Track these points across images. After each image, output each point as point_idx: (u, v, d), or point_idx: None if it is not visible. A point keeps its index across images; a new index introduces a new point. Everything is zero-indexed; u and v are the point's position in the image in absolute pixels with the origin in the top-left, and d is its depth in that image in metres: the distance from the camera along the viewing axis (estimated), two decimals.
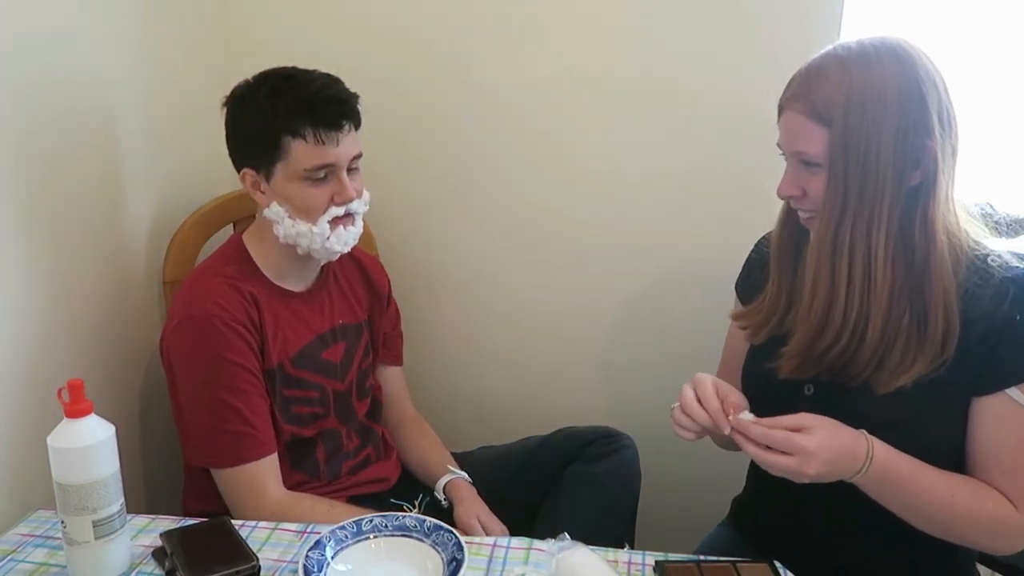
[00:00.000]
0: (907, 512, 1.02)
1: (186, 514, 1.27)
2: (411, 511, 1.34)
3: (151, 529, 1.14)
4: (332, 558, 1.04)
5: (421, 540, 1.08)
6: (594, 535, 1.08)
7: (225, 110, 1.29)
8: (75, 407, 0.99)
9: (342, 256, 1.40)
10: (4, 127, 1.15)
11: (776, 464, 0.96)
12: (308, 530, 1.14)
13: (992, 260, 1.02)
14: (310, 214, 1.26)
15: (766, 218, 1.20)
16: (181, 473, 1.39)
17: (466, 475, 1.43)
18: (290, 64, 1.29)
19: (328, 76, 1.27)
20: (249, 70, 1.29)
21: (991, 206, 1.02)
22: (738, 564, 1.06)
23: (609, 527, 1.34)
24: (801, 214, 1.07)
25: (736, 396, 1.05)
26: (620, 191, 1.66)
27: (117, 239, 1.41)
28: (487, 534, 1.29)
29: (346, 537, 1.08)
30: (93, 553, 1.01)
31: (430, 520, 1.10)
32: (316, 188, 1.25)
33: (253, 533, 1.14)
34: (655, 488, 1.53)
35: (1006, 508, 1.01)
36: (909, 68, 0.96)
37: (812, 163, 1.01)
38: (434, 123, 1.68)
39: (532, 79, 1.62)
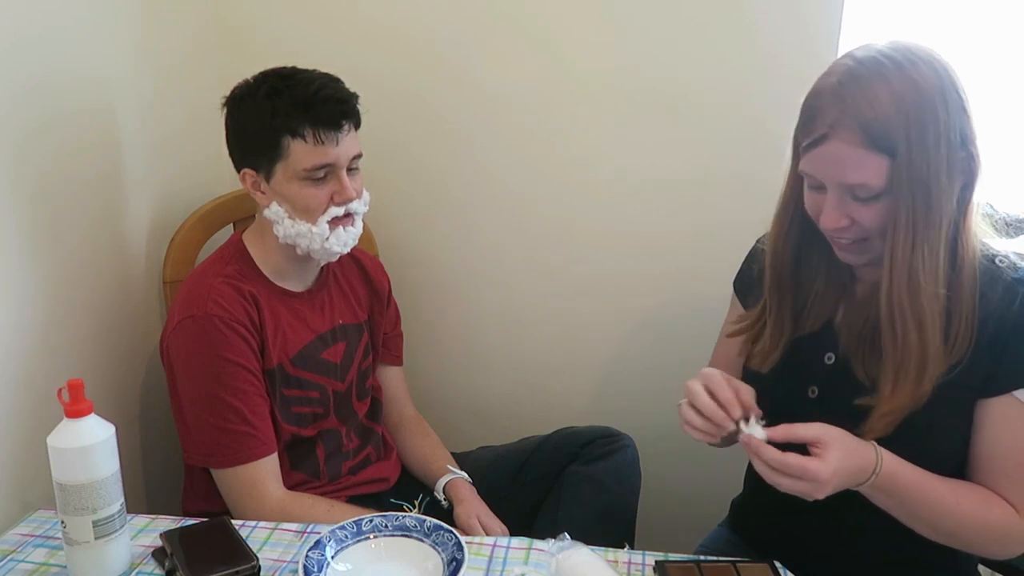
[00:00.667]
0: (914, 521, 1.01)
1: (186, 514, 1.27)
2: (411, 511, 1.34)
3: (151, 529, 1.14)
4: (332, 558, 1.04)
5: (421, 540, 1.08)
6: (594, 535, 1.08)
7: (224, 110, 1.30)
8: (75, 407, 0.99)
9: (342, 256, 1.40)
10: (3, 126, 1.14)
11: (787, 487, 0.94)
12: (308, 530, 1.14)
13: (1000, 261, 1.01)
14: (310, 214, 1.26)
15: (766, 219, 1.20)
16: (181, 473, 1.38)
17: (466, 475, 1.43)
18: (290, 64, 1.29)
19: (327, 76, 1.27)
20: (249, 70, 1.29)
21: (991, 206, 1.02)
22: (738, 564, 1.06)
23: (609, 527, 1.34)
24: (841, 241, 1.02)
25: (747, 393, 1.01)
26: (620, 192, 1.66)
27: (117, 239, 1.41)
28: (487, 534, 1.29)
29: (346, 537, 1.08)
30: (93, 553, 1.01)
31: (430, 520, 1.10)
32: (316, 188, 1.25)
33: (253, 533, 1.14)
34: (655, 488, 1.53)
35: (1010, 513, 1.00)
36: (947, 78, 0.94)
37: (868, 194, 0.96)
38: (434, 124, 1.68)
39: (533, 80, 1.62)
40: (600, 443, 1.43)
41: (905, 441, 0.99)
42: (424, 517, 1.11)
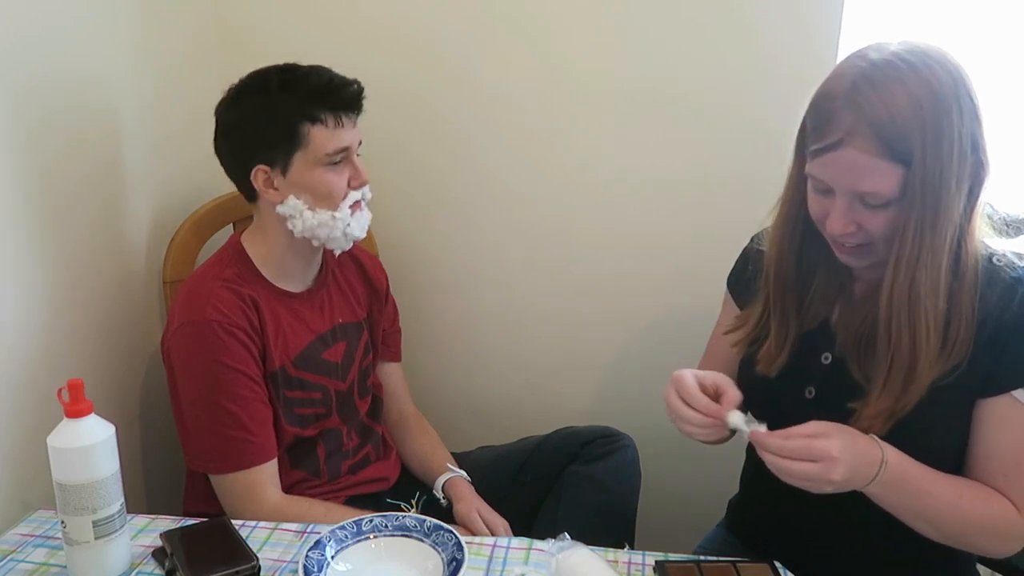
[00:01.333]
0: (917, 520, 1.01)
1: (186, 514, 1.27)
2: (409, 510, 1.34)
3: (151, 529, 1.14)
4: (332, 558, 1.04)
5: (421, 540, 1.08)
6: (594, 535, 1.08)
7: (222, 114, 1.29)
8: (75, 407, 0.99)
9: (341, 254, 1.40)
10: (3, 126, 1.15)
11: (798, 472, 0.92)
12: (308, 530, 1.14)
13: (997, 260, 1.01)
14: (332, 200, 1.27)
15: (766, 220, 1.20)
16: (181, 473, 1.38)
17: (464, 474, 1.43)
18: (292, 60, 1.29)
19: (323, 66, 1.28)
20: (249, 70, 1.29)
21: (991, 206, 1.02)
22: (738, 564, 1.06)
23: (609, 527, 1.34)
24: (845, 245, 1.01)
25: (724, 383, 1.02)
26: (620, 191, 1.66)
27: (117, 239, 1.42)
28: (488, 528, 1.29)
29: (346, 537, 1.08)
30: (93, 553, 1.01)
31: (430, 520, 1.10)
32: (335, 173, 1.27)
33: (253, 533, 1.14)
34: (655, 488, 1.53)
35: (1010, 511, 1.00)
36: (961, 82, 0.92)
37: (880, 202, 0.95)
38: (434, 123, 1.68)
39: (533, 80, 1.62)
40: (600, 443, 1.43)
41: (905, 441, 0.99)
42: (424, 517, 1.11)
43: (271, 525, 1.16)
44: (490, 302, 1.79)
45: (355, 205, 1.29)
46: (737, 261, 1.26)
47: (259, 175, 1.27)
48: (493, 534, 1.29)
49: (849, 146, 0.93)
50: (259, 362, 1.27)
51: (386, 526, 1.10)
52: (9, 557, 1.08)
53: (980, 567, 1.21)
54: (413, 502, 1.41)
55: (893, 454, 0.96)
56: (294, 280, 1.36)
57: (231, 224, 1.56)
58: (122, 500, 1.03)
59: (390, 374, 1.55)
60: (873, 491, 0.96)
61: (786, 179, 1.07)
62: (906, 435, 0.99)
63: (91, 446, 0.98)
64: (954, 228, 0.95)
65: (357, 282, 1.47)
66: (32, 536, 1.12)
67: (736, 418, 0.98)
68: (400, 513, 1.12)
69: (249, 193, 1.31)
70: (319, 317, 1.38)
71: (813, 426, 0.94)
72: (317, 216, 1.26)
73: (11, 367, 1.17)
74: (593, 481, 1.38)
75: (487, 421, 1.82)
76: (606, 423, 1.49)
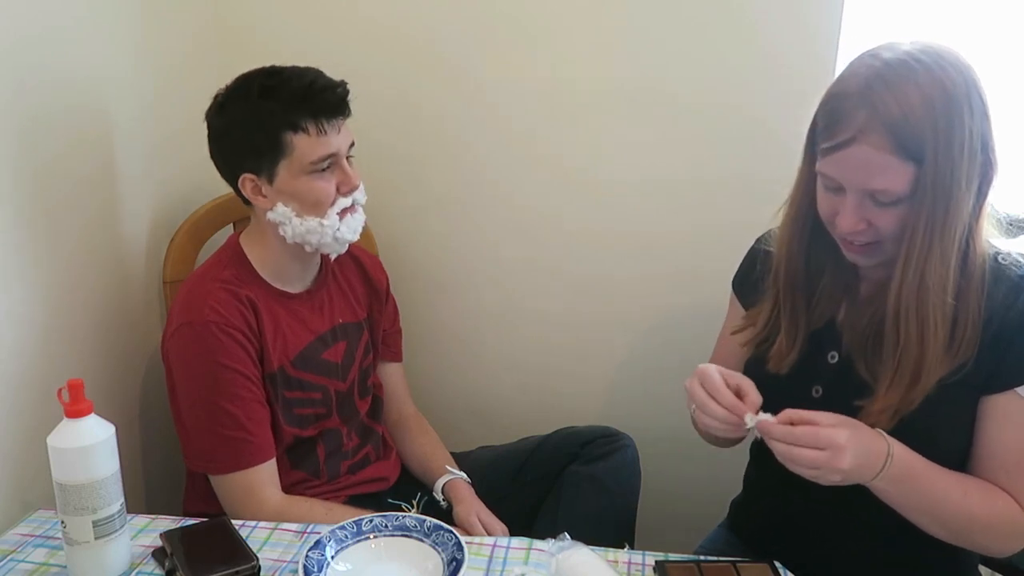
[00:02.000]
0: (922, 516, 1.00)
1: (186, 514, 1.27)
2: (409, 511, 1.34)
3: (151, 529, 1.14)
4: (332, 558, 1.04)
5: (421, 540, 1.08)
6: (594, 535, 1.08)
7: (211, 120, 1.28)
8: (75, 407, 0.99)
9: (341, 255, 1.40)
10: (3, 126, 1.14)
11: (805, 459, 0.92)
12: (308, 530, 1.14)
13: (1002, 259, 1.02)
14: (319, 208, 1.26)
15: (766, 221, 1.20)
16: (181, 473, 1.39)
17: (464, 475, 1.43)
18: (289, 65, 1.29)
19: (311, 68, 1.26)
20: (249, 69, 1.29)
21: (992, 206, 1.02)
22: (738, 564, 1.06)
23: (609, 527, 1.34)
24: (854, 244, 1.02)
25: (747, 385, 1.01)
26: (620, 192, 1.66)
27: (117, 239, 1.41)
28: (487, 532, 1.29)
29: (346, 537, 1.08)
30: (93, 553, 1.01)
31: (430, 520, 1.10)
32: (322, 180, 1.25)
33: (253, 533, 1.14)
34: (655, 488, 1.53)
35: (1013, 508, 1.00)
36: (972, 82, 0.93)
37: (890, 199, 0.95)
38: (433, 124, 1.68)
39: (531, 80, 1.62)
40: (600, 443, 1.42)
41: (910, 440, 0.99)
42: (424, 517, 1.11)
43: (271, 525, 1.16)
44: (490, 302, 1.79)
45: (346, 210, 1.28)
46: (743, 262, 1.27)
47: (247, 183, 1.27)
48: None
49: (862, 143, 0.93)
50: (257, 363, 1.27)
51: (386, 526, 1.10)
52: (9, 557, 1.08)
53: (981, 567, 1.21)
54: (414, 502, 1.41)
55: (899, 448, 0.96)
56: (293, 281, 1.35)
57: (230, 224, 1.56)
58: (122, 500, 1.03)
59: (390, 374, 1.55)
60: (878, 485, 0.96)
61: (795, 179, 1.08)
62: (912, 434, 0.99)
63: (91, 446, 0.98)
64: (963, 226, 0.95)
65: (357, 282, 1.46)
66: (32, 536, 1.12)
67: (753, 421, 0.97)
68: (400, 513, 1.12)
69: (243, 197, 1.31)
70: (319, 317, 1.38)
71: (818, 415, 0.94)
72: (305, 223, 1.25)
73: (11, 367, 1.17)
74: (593, 481, 1.38)
75: (487, 421, 1.82)
76: (606, 423, 1.49)
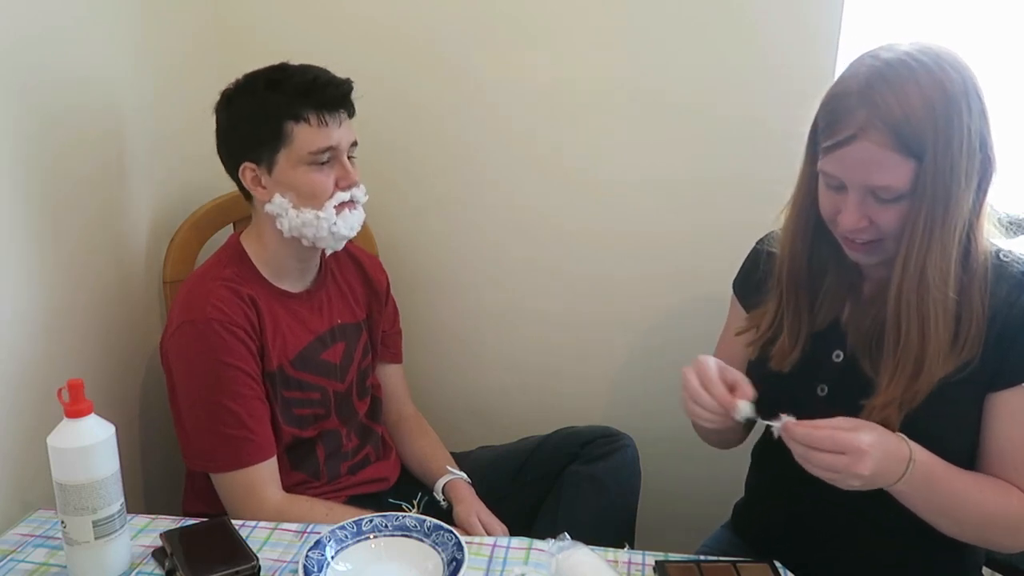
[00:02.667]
0: (941, 518, 1.01)
1: (186, 514, 1.27)
2: (410, 511, 1.34)
3: (151, 529, 1.14)
4: (332, 558, 1.04)
5: (421, 540, 1.08)
6: (594, 534, 1.08)
7: (219, 114, 1.30)
8: (75, 407, 0.99)
9: (341, 255, 1.40)
10: (3, 126, 1.14)
11: (826, 463, 0.92)
12: (308, 530, 1.14)
13: (1004, 256, 1.02)
14: (316, 199, 1.26)
15: (766, 221, 1.20)
16: (181, 473, 1.39)
17: (464, 475, 1.43)
18: (292, 59, 1.29)
19: (318, 66, 1.28)
20: (249, 69, 1.29)
21: (991, 206, 1.02)
22: (738, 564, 1.06)
23: (609, 526, 1.34)
24: (856, 242, 1.02)
25: (742, 381, 1.01)
26: (620, 192, 1.66)
27: (117, 239, 1.41)
28: (487, 532, 1.29)
29: (346, 537, 1.08)
30: (93, 553, 1.01)
31: (430, 520, 1.10)
32: (321, 173, 1.26)
33: (253, 533, 1.14)
34: (655, 488, 1.53)
35: None
36: (970, 82, 0.94)
37: (892, 196, 0.96)
38: (434, 124, 1.68)
39: (531, 81, 1.62)
40: (600, 443, 1.42)
41: (918, 437, 0.99)
42: (424, 517, 1.11)
43: (271, 525, 1.16)
44: (490, 302, 1.79)
45: (344, 205, 1.28)
46: (744, 264, 1.27)
47: (247, 172, 1.28)
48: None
49: (863, 140, 0.94)
50: (258, 360, 1.27)
51: (386, 526, 1.10)
52: (9, 557, 1.08)
53: (984, 568, 1.21)
54: (415, 502, 1.41)
55: (921, 453, 0.96)
56: (292, 280, 1.35)
57: (231, 224, 1.56)
58: (122, 500, 1.03)
59: (390, 375, 1.54)
60: (900, 489, 0.96)
61: (797, 179, 1.08)
62: (919, 432, 0.99)
63: (91, 446, 0.98)
64: (963, 223, 0.96)
65: (356, 283, 1.46)
66: (32, 536, 1.12)
67: (745, 408, 0.98)
68: (400, 513, 1.12)
69: (245, 192, 1.31)
70: (318, 318, 1.38)
71: (842, 420, 0.94)
72: (302, 215, 1.26)
73: (11, 367, 1.17)
74: (593, 481, 1.38)
75: (487, 421, 1.82)
76: (606, 423, 1.49)
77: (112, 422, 1.02)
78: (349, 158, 1.30)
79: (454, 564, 1.02)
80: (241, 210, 1.56)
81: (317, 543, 1.05)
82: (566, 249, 1.72)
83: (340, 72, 1.29)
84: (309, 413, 1.34)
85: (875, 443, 0.92)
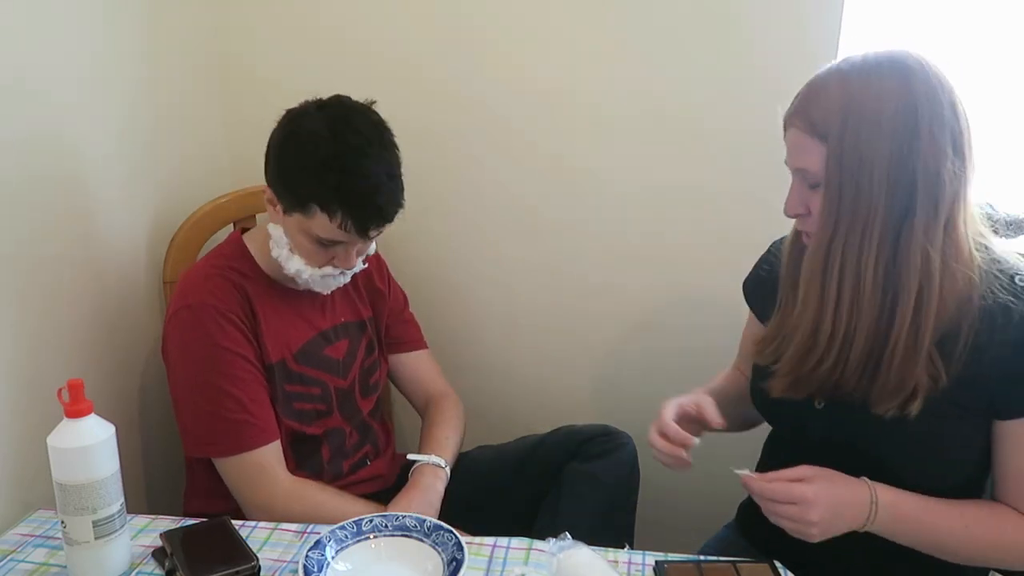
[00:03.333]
0: (927, 549, 1.03)
1: (186, 514, 1.27)
2: None
3: (151, 529, 1.14)
4: (332, 558, 1.04)
5: (421, 540, 1.08)
6: (594, 532, 1.08)
7: (278, 128, 1.25)
8: (75, 407, 0.99)
9: None
10: (3, 126, 1.15)
11: (780, 513, 0.98)
12: (308, 530, 1.14)
13: (1020, 281, 0.99)
14: (307, 260, 1.26)
15: (769, 227, 1.21)
16: (181, 473, 1.39)
17: (440, 461, 1.36)
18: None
19: (388, 168, 1.22)
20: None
21: (991, 206, 1.02)
22: (738, 564, 1.06)
23: (608, 525, 1.34)
24: (804, 232, 1.05)
25: (707, 404, 1.10)
26: (620, 193, 1.66)
27: (117, 239, 1.42)
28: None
29: (346, 537, 1.08)
30: (93, 553, 1.01)
31: (430, 520, 1.10)
32: (322, 249, 1.25)
33: (253, 533, 1.14)
34: (655, 488, 1.53)
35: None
36: (912, 86, 0.94)
37: (814, 182, 0.99)
38: (434, 125, 1.68)
39: (532, 83, 1.62)
40: (599, 441, 1.42)
41: (909, 454, 1.00)
42: (424, 517, 1.11)
43: (271, 525, 1.16)
44: (490, 302, 1.79)
45: (331, 275, 1.28)
46: (754, 267, 1.28)
47: (267, 192, 1.28)
48: None
49: (791, 125, 1.01)
50: (256, 347, 1.27)
51: (386, 526, 1.10)
52: (9, 557, 1.08)
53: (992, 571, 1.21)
54: None
55: (887, 494, 0.99)
56: (294, 279, 1.36)
57: (231, 224, 1.56)
58: (122, 500, 1.03)
59: (413, 365, 1.54)
60: (872, 530, 1.00)
61: None
62: (908, 449, 1.01)
63: (91, 446, 0.98)
64: (884, 221, 0.95)
65: (360, 282, 1.47)
66: (32, 536, 1.13)
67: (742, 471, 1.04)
68: (400, 513, 1.12)
69: None
70: (321, 315, 1.38)
71: (800, 470, 0.99)
72: (292, 259, 1.26)
73: (11, 367, 1.17)
74: (592, 479, 1.38)
75: (487, 420, 1.82)
76: (606, 423, 1.49)
77: (112, 422, 1.02)
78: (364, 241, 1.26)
79: (454, 564, 1.02)
80: (241, 210, 1.56)
81: (317, 543, 1.05)
82: (566, 249, 1.72)
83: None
84: (310, 408, 1.34)
85: (823, 492, 0.96)
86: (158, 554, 1.08)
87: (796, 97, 1.02)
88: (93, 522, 1.00)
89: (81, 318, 1.32)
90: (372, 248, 1.34)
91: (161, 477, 1.52)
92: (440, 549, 1.06)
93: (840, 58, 1.01)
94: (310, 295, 1.37)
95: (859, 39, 1.48)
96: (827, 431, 1.09)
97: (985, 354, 0.98)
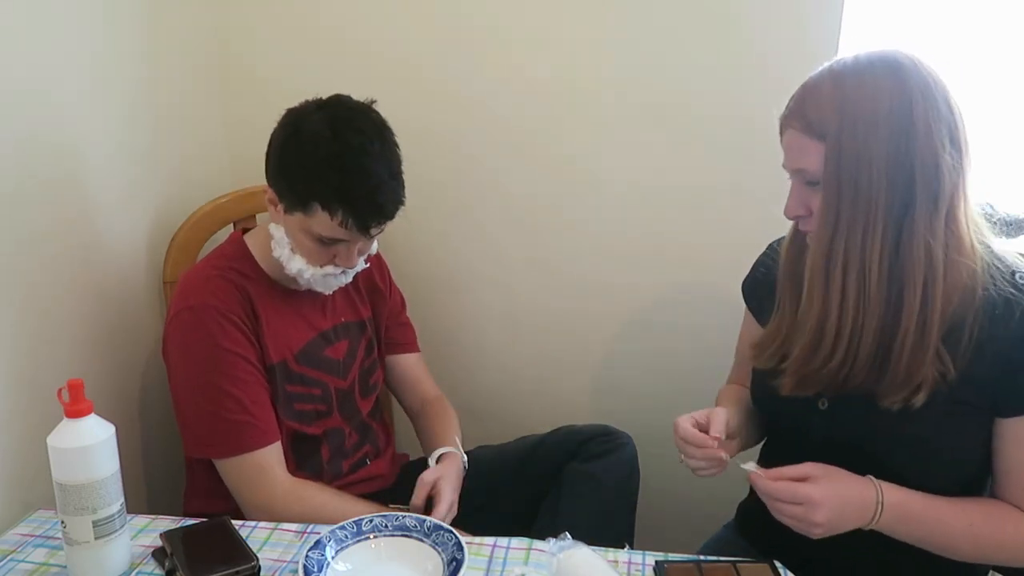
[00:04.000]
0: (930, 548, 1.03)
1: (186, 514, 1.27)
2: (407, 510, 1.34)
3: (151, 529, 1.14)
4: (332, 558, 1.04)
5: (421, 540, 1.08)
6: (593, 531, 1.08)
7: (279, 127, 1.25)
8: (75, 407, 0.99)
9: None
10: (5, 125, 1.15)
11: (785, 512, 0.98)
12: (308, 530, 1.14)
13: (1021, 278, 1.00)
14: (309, 260, 1.26)
15: (769, 226, 1.21)
16: (181, 473, 1.39)
17: (463, 454, 1.39)
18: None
19: (389, 167, 1.22)
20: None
21: (991, 206, 1.02)
22: (738, 564, 1.06)
23: (608, 524, 1.34)
24: (810, 234, 1.05)
25: (714, 417, 1.08)
26: (620, 193, 1.66)
27: (117, 239, 1.41)
28: (434, 504, 1.25)
29: (346, 537, 1.08)
30: (93, 553, 1.01)
31: (430, 520, 1.10)
32: (323, 248, 1.25)
33: (253, 533, 1.14)
34: (655, 488, 1.53)
35: None
36: (905, 83, 0.94)
37: (812, 180, 1.00)
38: (434, 125, 1.68)
39: (532, 82, 1.62)
40: (599, 441, 1.42)
41: (912, 452, 0.99)
42: (424, 517, 1.11)
43: (271, 525, 1.16)
44: (490, 302, 1.79)
45: (332, 274, 1.28)
46: (752, 267, 1.28)
47: (268, 192, 1.28)
48: (430, 508, 1.26)
49: (787, 127, 1.02)
50: (257, 349, 1.27)
51: (386, 526, 1.10)
52: (9, 557, 1.08)
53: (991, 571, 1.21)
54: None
55: (893, 494, 0.99)
56: (294, 279, 1.36)
57: (231, 224, 1.56)
58: (122, 500, 1.03)
59: (406, 366, 1.55)
60: (877, 529, 1.00)
61: None
62: (911, 447, 1.01)
63: (91, 446, 0.98)
64: (886, 216, 0.96)
65: (360, 281, 1.47)
66: (32, 536, 1.13)
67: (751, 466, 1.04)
68: (400, 513, 1.12)
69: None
70: (321, 315, 1.38)
71: (805, 468, 0.99)
72: (293, 259, 1.26)
73: (11, 367, 1.17)
74: (591, 478, 1.38)
75: (487, 420, 1.82)
76: (606, 423, 1.49)
77: (112, 422, 1.02)
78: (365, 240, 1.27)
79: (454, 564, 1.02)
80: (241, 210, 1.56)
81: (317, 543, 1.05)
82: (566, 249, 1.72)
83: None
84: (310, 409, 1.34)
85: (829, 493, 0.96)
86: (158, 554, 1.08)
87: (791, 99, 1.02)
88: (93, 522, 1.00)
89: (81, 318, 1.32)
90: (373, 247, 1.34)
91: (161, 477, 1.52)
92: (440, 549, 1.06)
93: (842, 55, 1.01)
94: (311, 295, 1.37)
95: (859, 39, 1.48)
96: (829, 431, 1.09)
97: (987, 351, 0.99)
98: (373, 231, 1.24)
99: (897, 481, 1.01)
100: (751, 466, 1.03)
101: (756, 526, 1.28)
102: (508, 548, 1.11)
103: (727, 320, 1.38)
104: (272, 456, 1.25)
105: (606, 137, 1.64)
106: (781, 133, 1.03)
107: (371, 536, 1.09)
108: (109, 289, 1.39)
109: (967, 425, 1.02)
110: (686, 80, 1.58)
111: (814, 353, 1.03)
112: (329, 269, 1.28)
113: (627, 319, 1.75)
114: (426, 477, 1.29)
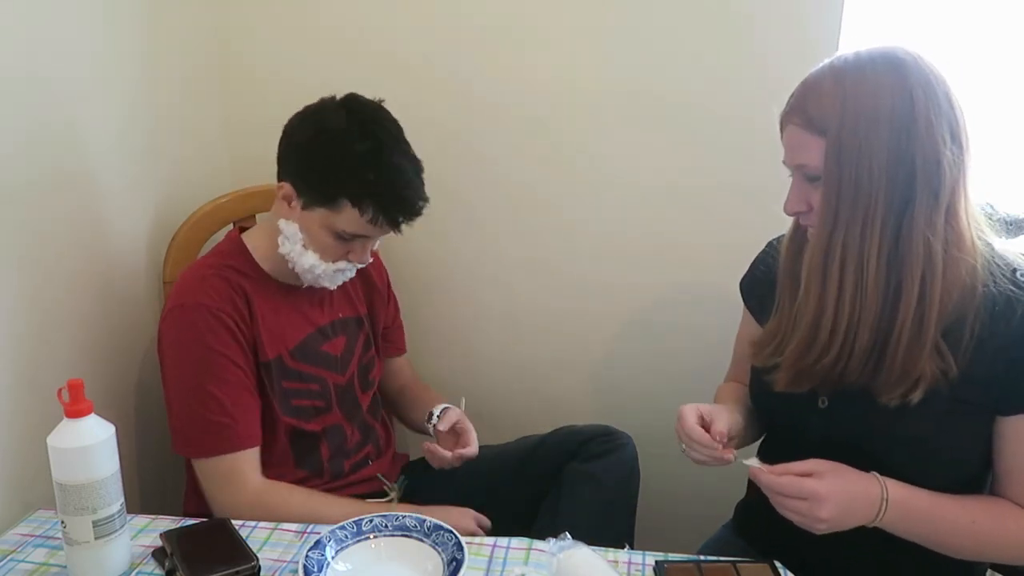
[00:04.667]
0: (932, 545, 1.03)
1: (186, 514, 1.27)
2: (391, 492, 1.35)
3: (151, 529, 1.14)
4: (332, 558, 1.04)
5: (421, 540, 1.08)
6: (594, 531, 1.08)
7: (297, 122, 1.26)
8: (75, 407, 0.99)
9: None
10: (4, 126, 1.15)
11: (789, 508, 0.98)
12: (308, 530, 1.14)
13: (1022, 276, 1.00)
14: (322, 255, 1.27)
15: (770, 225, 1.20)
16: (181, 473, 1.39)
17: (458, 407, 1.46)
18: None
19: (416, 166, 1.27)
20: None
21: (991, 206, 1.02)
22: (738, 564, 1.06)
23: (608, 524, 1.34)
24: (809, 229, 1.05)
25: (717, 416, 1.08)
26: (621, 192, 1.66)
27: (117, 239, 1.41)
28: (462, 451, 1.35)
29: (346, 537, 1.08)
30: (93, 553, 1.01)
31: (430, 520, 1.10)
32: (340, 243, 1.26)
33: (253, 533, 1.14)
34: (655, 488, 1.53)
35: None
36: (906, 79, 0.94)
37: (813, 176, 1.00)
38: (434, 124, 1.67)
39: (533, 82, 1.62)
40: (599, 441, 1.42)
41: (911, 450, 0.99)
42: (424, 517, 1.11)
43: (271, 525, 1.16)
44: (490, 302, 1.79)
45: (342, 270, 1.30)
46: (751, 265, 1.28)
47: (285, 188, 1.27)
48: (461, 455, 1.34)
49: (788, 123, 1.02)
50: (248, 351, 1.27)
51: (386, 526, 1.10)
52: (9, 557, 1.08)
53: (989, 571, 1.21)
54: (396, 485, 1.40)
55: (897, 491, 0.99)
56: (294, 276, 1.36)
57: (231, 224, 1.56)
58: (122, 500, 1.03)
59: (399, 367, 1.59)
60: (881, 526, 1.00)
61: None
62: (911, 444, 1.01)
63: (91, 446, 0.98)
64: (886, 212, 0.96)
65: (357, 279, 1.47)
66: (32, 536, 1.13)
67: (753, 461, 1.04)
68: (400, 513, 1.12)
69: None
70: (319, 311, 1.39)
71: (810, 464, 0.99)
72: (304, 255, 1.26)
73: (11, 367, 1.17)
74: (592, 479, 1.38)
75: (487, 421, 1.81)
76: (606, 423, 1.49)
77: (112, 422, 1.02)
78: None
79: (454, 564, 1.02)
80: (241, 210, 1.56)
81: (317, 543, 1.05)
82: (566, 249, 1.72)
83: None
84: (308, 404, 1.35)
85: (835, 489, 0.96)
86: (158, 554, 1.08)
87: (791, 96, 1.02)
88: (93, 522, 1.00)
89: (81, 318, 1.32)
90: (376, 244, 1.34)
91: (161, 477, 1.52)
92: (440, 549, 1.06)
93: (836, 56, 1.01)
94: (308, 291, 1.37)
95: (859, 38, 1.48)
96: (827, 430, 1.09)
97: (988, 348, 0.99)
98: (403, 226, 1.26)
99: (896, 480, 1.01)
100: (753, 461, 1.02)
101: (754, 526, 1.29)
102: (508, 548, 1.11)
103: (727, 320, 1.38)
104: (246, 461, 1.25)
105: (606, 137, 1.64)
106: (782, 129, 1.04)
107: (371, 536, 1.09)
108: (109, 289, 1.39)
109: (967, 424, 1.02)
110: (686, 79, 1.58)
111: (809, 348, 1.03)
112: (340, 264, 1.29)
113: (627, 319, 1.75)
114: (450, 414, 1.38)
